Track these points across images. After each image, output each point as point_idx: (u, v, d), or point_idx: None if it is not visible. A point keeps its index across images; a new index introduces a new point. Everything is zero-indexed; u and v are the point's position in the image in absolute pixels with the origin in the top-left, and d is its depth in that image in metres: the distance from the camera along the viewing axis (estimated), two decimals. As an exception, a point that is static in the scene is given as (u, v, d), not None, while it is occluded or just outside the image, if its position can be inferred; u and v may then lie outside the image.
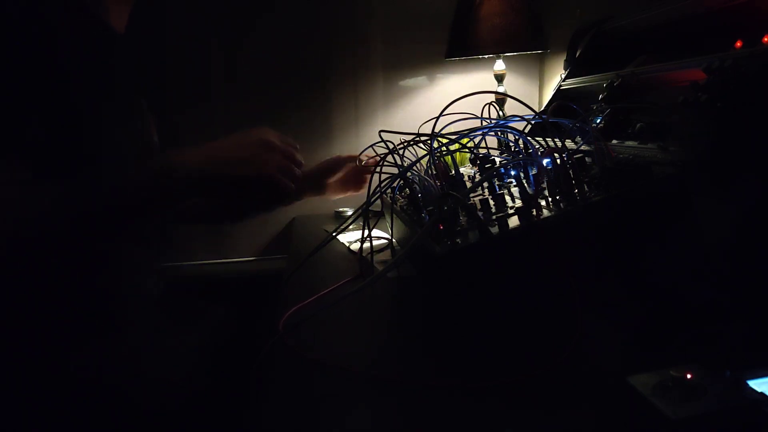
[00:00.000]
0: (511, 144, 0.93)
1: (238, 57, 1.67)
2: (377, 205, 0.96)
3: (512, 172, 0.83)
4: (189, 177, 0.70)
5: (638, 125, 0.79)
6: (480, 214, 0.69)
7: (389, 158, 0.86)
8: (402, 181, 0.86)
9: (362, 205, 0.86)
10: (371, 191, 0.85)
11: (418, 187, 0.80)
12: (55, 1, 0.74)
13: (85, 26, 0.80)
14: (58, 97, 0.71)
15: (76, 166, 0.71)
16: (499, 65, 1.66)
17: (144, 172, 0.70)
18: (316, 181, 1.25)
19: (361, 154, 1.21)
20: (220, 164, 0.73)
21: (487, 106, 0.98)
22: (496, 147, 1.00)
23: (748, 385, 0.41)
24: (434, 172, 0.83)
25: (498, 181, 0.83)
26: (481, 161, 0.86)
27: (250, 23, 1.67)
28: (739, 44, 0.78)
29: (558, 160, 0.68)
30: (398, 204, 0.91)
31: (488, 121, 0.93)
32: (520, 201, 0.69)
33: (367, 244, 0.89)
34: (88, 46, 0.79)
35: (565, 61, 1.22)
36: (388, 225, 0.98)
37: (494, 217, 0.66)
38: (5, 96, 0.66)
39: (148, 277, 0.92)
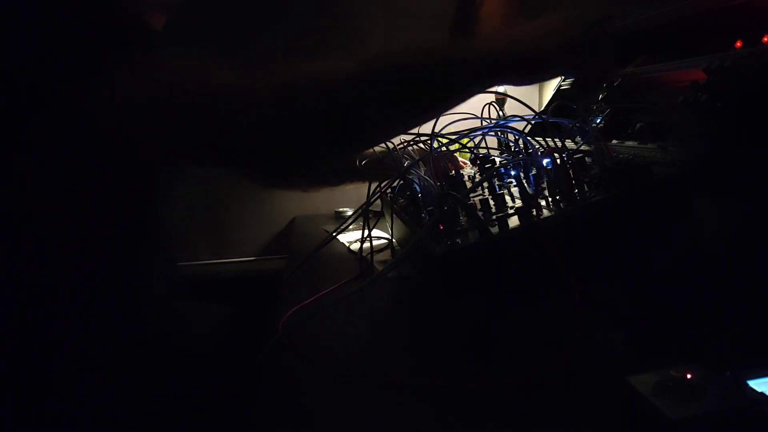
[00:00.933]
0: (511, 144, 0.93)
1: (237, 57, 1.67)
2: (377, 205, 0.96)
3: (512, 172, 0.83)
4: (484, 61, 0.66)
5: (638, 125, 0.79)
6: (480, 214, 0.69)
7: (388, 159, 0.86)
8: (402, 181, 0.86)
9: (362, 205, 0.86)
10: (371, 191, 0.85)
11: (417, 187, 0.80)
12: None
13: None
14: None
15: None
16: (499, 65, 1.66)
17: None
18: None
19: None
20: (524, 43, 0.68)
21: (487, 106, 0.98)
22: (496, 147, 1.01)
23: (748, 385, 0.41)
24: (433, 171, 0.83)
25: (498, 181, 0.83)
26: (481, 161, 0.86)
27: (250, 23, 1.67)
28: (739, 44, 0.78)
29: (558, 160, 0.68)
30: (398, 204, 0.91)
31: (488, 121, 0.94)
32: (520, 201, 0.69)
33: (367, 244, 0.89)
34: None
35: (565, 61, 1.22)
36: (388, 225, 0.98)
37: (494, 217, 0.66)
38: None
39: (159, 277, 0.91)
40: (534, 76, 0.70)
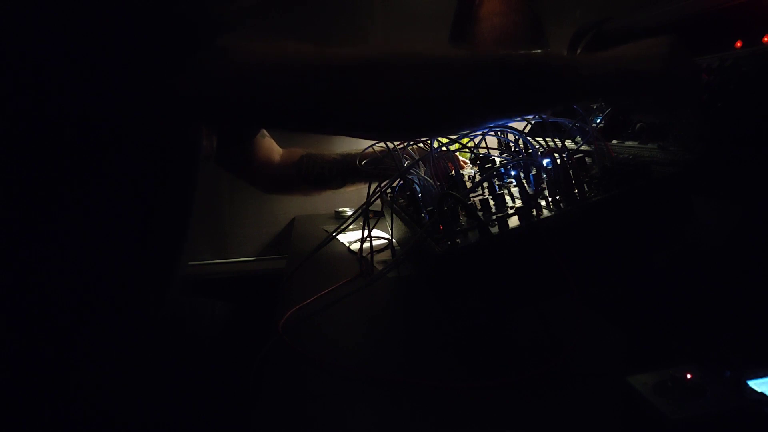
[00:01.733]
0: (511, 144, 0.93)
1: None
2: (377, 205, 0.96)
3: (512, 172, 0.83)
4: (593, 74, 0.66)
5: (638, 125, 0.79)
6: (480, 214, 0.69)
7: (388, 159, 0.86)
8: (402, 181, 0.86)
9: (362, 205, 0.86)
10: (371, 191, 0.85)
11: (418, 187, 0.80)
12: None
13: None
14: None
15: None
16: (499, 65, 1.66)
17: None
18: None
19: (364, 151, 1.20)
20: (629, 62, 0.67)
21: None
22: (496, 147, 1.01)
23: (748, 385, 0.41)
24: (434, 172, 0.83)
25: (498, 181, 0.83)
26: (481, 161, 0.86)
27: (249, 23, 1.67)
28: (739, 44, 0.78)
29: (558, 160, 0.68)
30: (398, 204, 0.91)
31: (488, 121, 0.93)
32: (520, 201, 0.69)
33: (367, 244, 0.89)
34: None
35: (565, 61, 1.22)
36: (388, 225, 0.98)
37: (494, 217, 0.66)
38: None
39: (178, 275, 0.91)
40: (629, 97, 0.71)
